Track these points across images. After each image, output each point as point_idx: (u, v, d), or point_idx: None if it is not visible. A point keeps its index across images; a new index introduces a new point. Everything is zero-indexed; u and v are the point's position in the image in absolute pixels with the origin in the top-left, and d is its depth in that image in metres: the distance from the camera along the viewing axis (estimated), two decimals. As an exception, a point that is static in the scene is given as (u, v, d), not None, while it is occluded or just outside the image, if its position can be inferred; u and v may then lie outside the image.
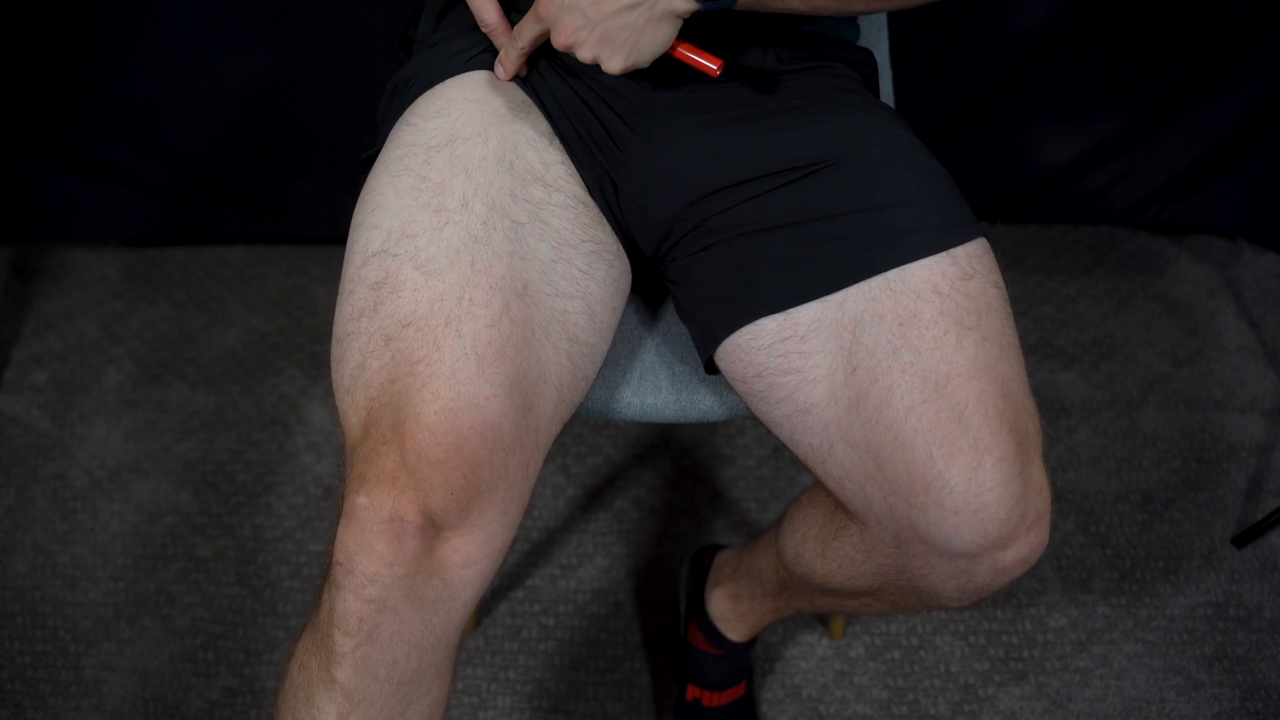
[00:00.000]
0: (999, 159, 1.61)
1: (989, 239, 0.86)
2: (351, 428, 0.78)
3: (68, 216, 1.62)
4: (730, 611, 1.17)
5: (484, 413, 0.76)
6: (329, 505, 1.42)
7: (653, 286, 1.01)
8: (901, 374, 0.77)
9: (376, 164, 0.88)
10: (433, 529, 0.74)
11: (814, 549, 0.92)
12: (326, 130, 1.53)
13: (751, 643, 1.21)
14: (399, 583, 0.74)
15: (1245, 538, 1.39)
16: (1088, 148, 1.59)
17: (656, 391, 0.95)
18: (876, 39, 1.15)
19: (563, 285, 0.84)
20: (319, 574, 1.37)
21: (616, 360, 0.96)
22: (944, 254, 0.80)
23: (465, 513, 0.75)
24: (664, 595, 1.36)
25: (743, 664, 1.23)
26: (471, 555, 0.77)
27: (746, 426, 1.50)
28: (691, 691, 1.23)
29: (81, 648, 1.31)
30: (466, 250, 0.80)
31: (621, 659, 1.31)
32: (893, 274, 0.80)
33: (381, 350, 0.78)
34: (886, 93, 1.13)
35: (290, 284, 1.66)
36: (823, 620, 1.33)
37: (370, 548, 0.73)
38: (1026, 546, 0.77)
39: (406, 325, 0.78)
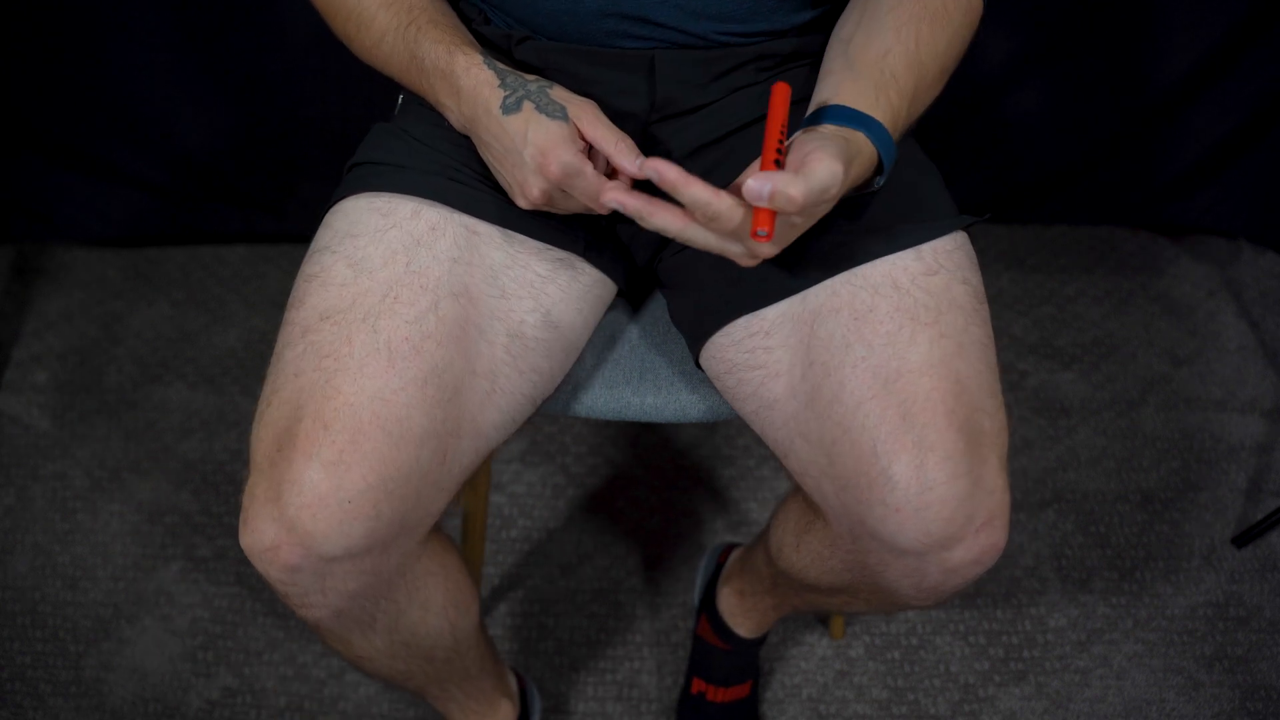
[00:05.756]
0: (999, 159, 1.61)
1: (970, 235, 0.85)
2: (257, 423, 0.78)
3: (68, 216, 1.62)
4: (737, 607, 1.18)
5: (389, 406, 0.76)
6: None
7: (651, 288, 1.01)
8: (853, 369, 0.76)
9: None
10: (325, 551, 0.76)
11: (791, 543, 0.93)
12: (326, 130, 1.53)
13: (759, 642, 1.21)
14: (326, 587, 0.78)
15: (1245, 538, 1.39)
16: (1088, 148, 1.60)
17: (656, 391, 0.95)
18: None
19: (512, 288, 0.84)
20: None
21: (617, 360, 0.96)
22: (910, 249, 0.80)
23: (374, 518, 0.76)
24: (664, 595, 1.36)
25: (749, 663, 1.23)
26: (392, 540, 0.79)
27: (746, 427, 1.50)
28: (696, 685, 1.23)
29: (81, 648, 1.31)
30: (405, 252, 0.81)
31: (621, 659, 1.31)
32: (856, 268, 0.79)
33: (297, 342, 0.79)
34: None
35: (290, 283, 1.65)
36: (823, 620, 1.33)
37: (275, 580, 0.77)
38: (977, 548, 0.76)
39: (325, 319, 0.79)
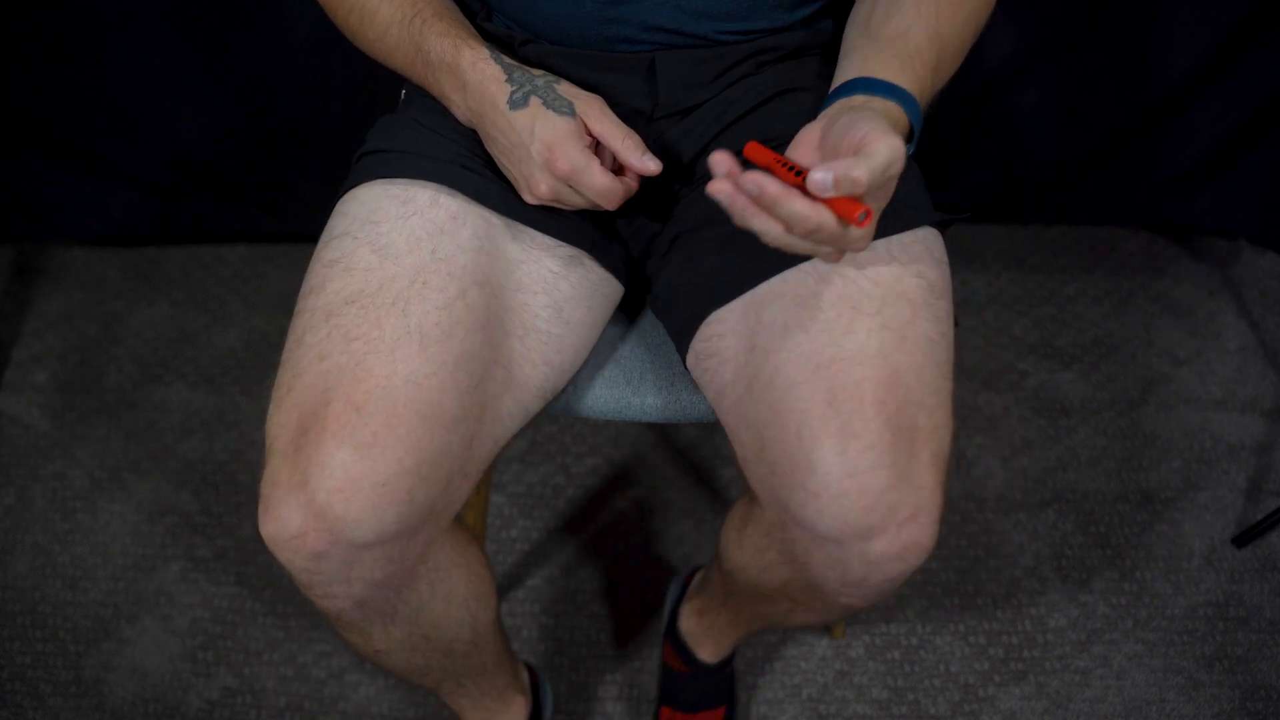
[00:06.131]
0: (999, 159, 1.61)
1: (951, 233, 0.85)
2: (277, 408, 0.77)
3: (68, 216, 1.62)
4: (696, 626, 1.16)
5: (423, 390, 0.75)
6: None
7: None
8: (789, 353, 0.76)
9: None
10: (353, 534, 0.74)
11: (735, 538, 0.93)
12: (326, 130, 1.53)
13: (724, 665, 1.19)
14: (351, 576, 0.76)
15: (1245, 538, 1.39)
16: (1088, 147, 1.59)
17: (656, 391, 0.95)
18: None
19: (527, 283, 0.84)
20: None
21: (617, 360, 0.96)
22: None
23: (407, 503, 0.75)
24: (664, 595, 1.36)
25: (718, 688, 1.21)
26: (420, 526, 0.78)
27: (746, 426, 1.50)
28: (665, 713, 1.21)
29: (81, 648, 1.31)
30: (429, 240, 0.80)
31: (622, 659, 1.31)
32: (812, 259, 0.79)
33: (320, 326, 0.77)
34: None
35: (290, 283, 1.66)
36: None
37: (300, 569, 0.76)
38: (899, 542, 0.74)
39: (350, 303, 0.77)
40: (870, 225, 0.67)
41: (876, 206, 0.68)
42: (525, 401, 0.85)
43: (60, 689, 1.28)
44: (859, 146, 0.66)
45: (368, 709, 1.27)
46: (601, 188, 0.78)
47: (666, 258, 0.89)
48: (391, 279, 0.78)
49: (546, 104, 0.78)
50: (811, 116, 0.80)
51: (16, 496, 1.44)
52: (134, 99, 1.49)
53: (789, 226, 0.66)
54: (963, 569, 1.38)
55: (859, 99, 0.73)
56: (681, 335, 0.87)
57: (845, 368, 0.74)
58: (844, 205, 0.65)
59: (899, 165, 0.66)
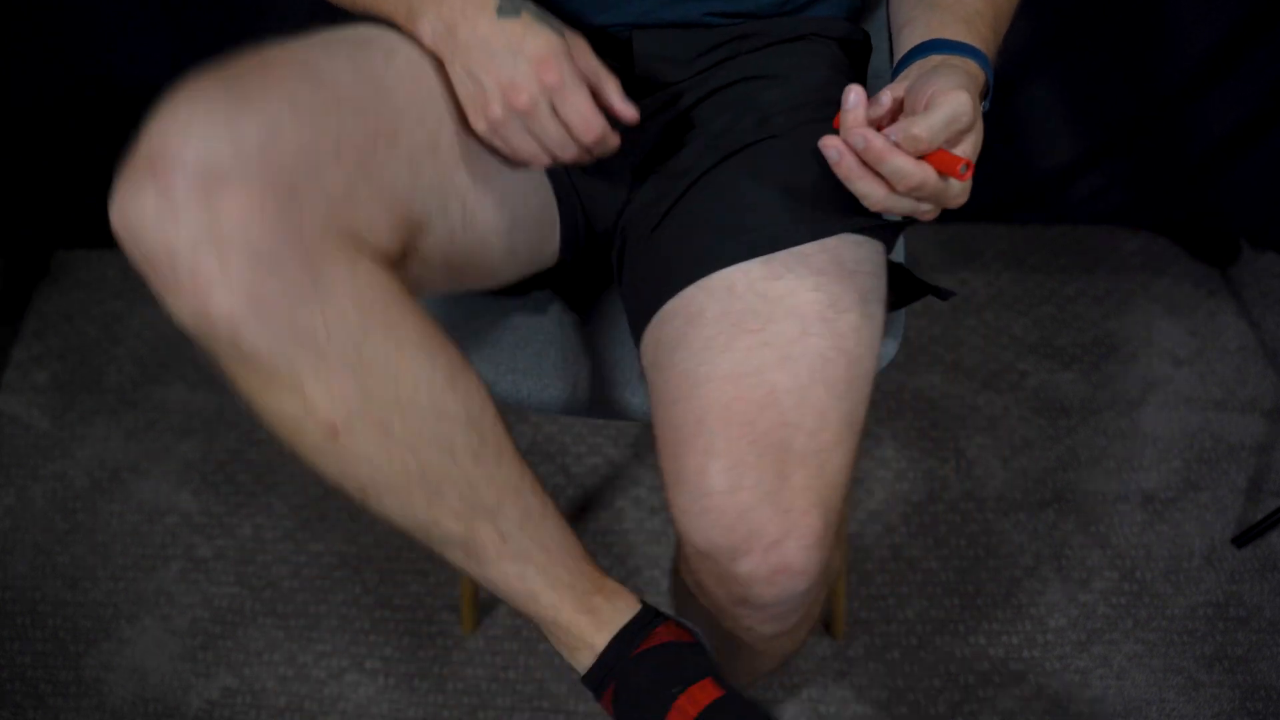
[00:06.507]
0: (999, 159, 1.61)
1: (889, 243, 0.84)
2: None
3: (68, 217, 1.62)
4: None
5: (311, 65, 0.70)
6: (329, 505, 1.42)
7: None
8: (670, 371, 0.76)
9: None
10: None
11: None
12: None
13: None
14: (221, 232, 0.63)
15: (1245, 538, 1.39)
16: (1089, 147, 1.59)
17: (656, 391, 0.95)
18: (880, 35, 1.14)
19: (458, 113, 0.78)
20: (315, 572, 1.37)
21: (617, 361, 0.96)
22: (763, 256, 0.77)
23: (272, 128, 0.66)
24: (665, 595, 1.36)
25: None
26: (298, 190, 0.66)
27: (746, 426, 1.50)
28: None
29: (81, 648, 1.31)
30: (355, 31, 0.77)
31: (621, 659, 1.31)
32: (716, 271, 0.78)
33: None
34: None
35: (290, 284, 1.65)
36: (824, 621, 1.33)
37: (146, 231, 0.64)
38: (766, 564, 0.71)
39: (252, 57, 0.72)
40: (970, 178, 0.67)
41: (970, 155, 0.68)
42: (425, 195, 0.75)
43: (60, 689, 1.28)
44: (928, 104, 0.67)
45: (368, 709, 1.27)
46: (586, 112, 0.72)
47: (627, 266, 0.87)
48: (304, 43, 0.74)
49: (538, 18, 0.74)
50: (777, 109, 0.81)
51: (16, 496, 1.44)
52: (134, 99, 1.48)
53: (892, 185, 0.66)
54: (963, 569, 1.38)
55: (936, 58, 0.73)
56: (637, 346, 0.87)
57: (717, 387, 0.73)
58: (943, 159, 0.65)
59: (966, 118, 0.66)
